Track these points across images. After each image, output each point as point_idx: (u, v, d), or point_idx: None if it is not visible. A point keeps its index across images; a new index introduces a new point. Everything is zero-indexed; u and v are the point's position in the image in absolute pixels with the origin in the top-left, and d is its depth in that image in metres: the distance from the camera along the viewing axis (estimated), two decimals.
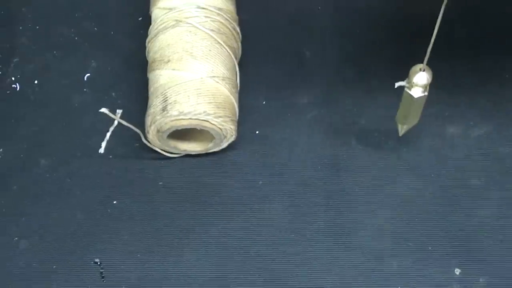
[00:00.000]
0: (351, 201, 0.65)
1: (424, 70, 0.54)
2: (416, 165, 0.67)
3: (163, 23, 0.65)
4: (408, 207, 0.65)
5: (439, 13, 0.71)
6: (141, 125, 0.64)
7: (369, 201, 0.65)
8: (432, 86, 0.68)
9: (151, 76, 0.65)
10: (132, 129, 0.64)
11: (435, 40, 0.65)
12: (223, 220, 0.65)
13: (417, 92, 0.55)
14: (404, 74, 0.56)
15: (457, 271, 0.62)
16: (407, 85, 0.55)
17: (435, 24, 0.70)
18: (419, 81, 0.54)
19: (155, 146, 0.65)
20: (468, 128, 0.69)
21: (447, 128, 0.69)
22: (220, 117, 0.62)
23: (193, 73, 0.62)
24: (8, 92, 0.70)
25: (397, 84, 0.56)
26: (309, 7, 0.74)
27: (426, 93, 0.55)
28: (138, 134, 0.64)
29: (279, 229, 0.65)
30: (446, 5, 0.49)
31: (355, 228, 0.64)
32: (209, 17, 0.65)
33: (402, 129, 0.61)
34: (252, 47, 0.71)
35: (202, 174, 0.67)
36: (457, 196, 0.65)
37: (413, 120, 0.60)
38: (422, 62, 0.54)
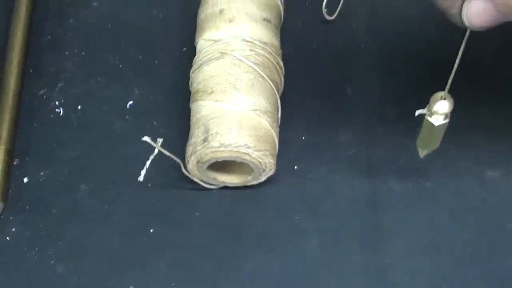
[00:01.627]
0: (387, 241, 0.65)
1: (445, 98, 0.54)
2: (454, 207, 0.66)
3: (208, 54, 0.66)
4: (445, 250, 0.65)
5: (485, 56, 0.72)
6: (181, 154, 0.65)
7: (406, 242, 0.65)
8: (473, 130, 0.68)
9: (193, 106, 0.65)
10: (171, 159, 0.65)
11: (477, 82, 0.64)
12: (258, 254, 0.65)
13: (437, 120, 0.55)
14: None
15: None
16: (427, 112, 0.55)
17: (479, 66, 0.70)
18: (440, 109, 0.54)
19: (194, 177, 0.66)
20: (508, 173, 0.68)
21: (487, 172, 0.68)
22: (260, 150, 0.62)
23: (235, 105, 0.63)
24: (51, 116, 0.71)
25: (417, 112, 0.55)
26: (353, 44, 0.74)
27: (447, 121, 0.55)
28: (178, 164, 0.65)
29: (314, 265, 0.64)
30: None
31: (390, 268, 0.64)
32: (254, 50, 0.65)
33: (422, 153, 0.61)
34: (294, 82, 0.71)
35: (239, 206, 0.67)
36: (494, 241, 0.65)
37: (434, 146, 0.59)
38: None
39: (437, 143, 0.59)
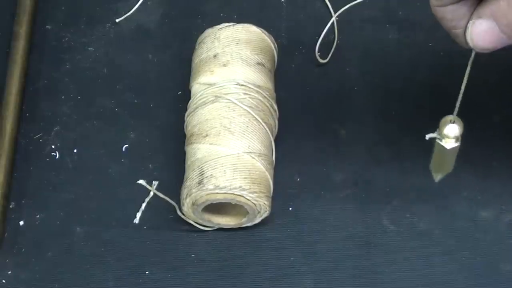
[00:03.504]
0: (381, 281, 0.65)
1: (454, 122, 0.53)
2: (448, 248, 0.66)
3: (203, 98, 0.67)
4: None
5: (477, 99, 0.72)
6: (176, 197, 0.65)
7: (400, 282, 0.65)
8: (466, 171, 0.69)
9: (188, 149, 0.66)
10: (167, 201, 0.65)
11: (471, 123, 0.65)
12: None
13: (449, 143, 0.53)
14: None
15: None
16: (438, 136, 0.54)
17: (472, 108, 0.71)
18: (450, 132, 0.53)
19: (189, 219, 0.66)
20: (501, 213, 0.68)
21: (480, 212, 0.68)
22: (254, 192, 0.62)
23: (230, 148, 0.63)
24: (47, 159, 0.72)
25: (428, 136, 0.54)
26: (346, 87, 0.75)
27: (458, 143, 0.54)
28: (173, 206, 0.65)
29: None
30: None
31: None
32: (248, 94, 0.66)
33: (437, 177, 0.59)
34: (288, 124, 0.71)
35: (234, 248, 0.67)
36: (489, 281, 0.65)
37: (447, 169, 0.58)
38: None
39: (450, 166, 0.57)
